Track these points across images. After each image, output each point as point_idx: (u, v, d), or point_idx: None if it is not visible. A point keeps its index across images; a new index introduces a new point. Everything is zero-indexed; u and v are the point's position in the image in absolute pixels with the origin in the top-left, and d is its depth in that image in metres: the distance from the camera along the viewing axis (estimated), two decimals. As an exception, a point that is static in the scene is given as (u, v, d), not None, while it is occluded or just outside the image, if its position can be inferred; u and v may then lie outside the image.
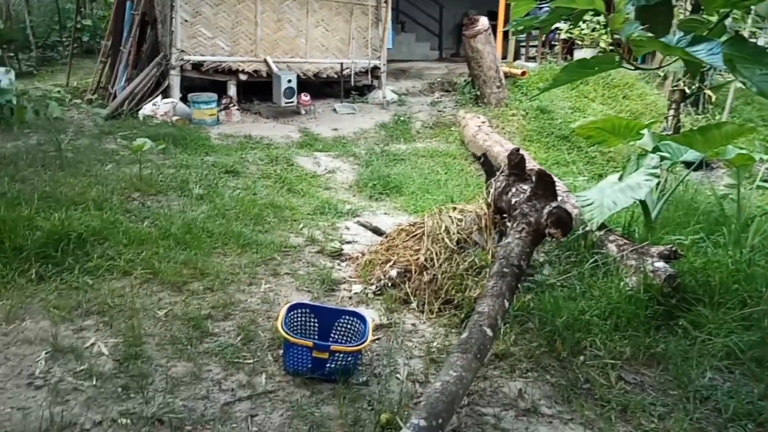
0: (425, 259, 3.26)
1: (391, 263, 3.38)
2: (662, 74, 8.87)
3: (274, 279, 3.31)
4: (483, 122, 6.75)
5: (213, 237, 3.61)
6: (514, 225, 2.69)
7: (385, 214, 4.78)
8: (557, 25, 9.96)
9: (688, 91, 5.31)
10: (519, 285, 2.76)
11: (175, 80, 6.93)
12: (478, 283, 3.03)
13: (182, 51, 6.89)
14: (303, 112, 7.63)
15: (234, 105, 7.25)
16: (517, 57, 9.92)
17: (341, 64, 8.00)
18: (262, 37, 7.41)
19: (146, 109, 6.60)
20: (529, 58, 10.12)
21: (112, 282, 2.97)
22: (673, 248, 3.33)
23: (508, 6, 8.89)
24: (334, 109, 7.96)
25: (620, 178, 4.09)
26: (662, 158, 4.42)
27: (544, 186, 2.61)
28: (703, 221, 4.13)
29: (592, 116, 7.59)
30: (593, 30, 8.71)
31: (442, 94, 9.04)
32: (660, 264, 3.26)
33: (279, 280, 3.30)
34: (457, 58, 12.47)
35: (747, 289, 3.16)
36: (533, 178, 2.69)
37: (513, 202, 2.84)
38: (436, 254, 3.23)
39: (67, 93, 8.26)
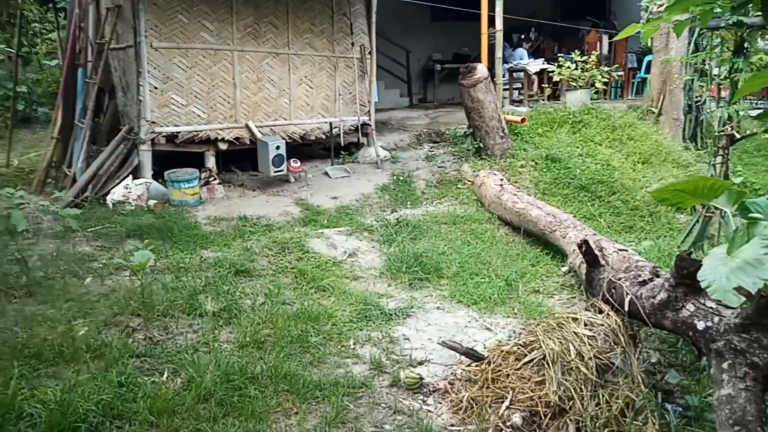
0: (559, 398, 2.47)
1: (506, 403, 2.58)
2: (656, 111, 8.63)
3: (363, 447, 2.43)
4: (502, 180, 6.12)
5: (260, 386, 2.69)
6: (723, 365, 1.97)
7: (439, 309, 3.98)
8: (545, 66, 9.65)
9: (737, 135, 4.88)
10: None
11: (146, 156, 5.95)
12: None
13: (153, 122, 5.94)
14: (293, 179, 6.78)
15: (215, 179, 6.32)
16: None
17: (330, 123, 7.25)
18: (241, 100, 6.56)
19: (116, 193, 5.58)
20: (513, 102, 9.72)
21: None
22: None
23: (491, 47, 8.49)
24: (326, 173, 7.15)
25: (729, 252, 3.50)
26: (753, 219, 3.88)
27: (775, 314, 1.91)
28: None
29: (604, 161, 7.14)
30: (584, 71, 8.39)
31: (433, 146, 8.40)
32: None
33: (369, 448, 2.43)
34: (427, 104, 12.05)
35: None
36: (759, 304, 1.98)
37: (702, 328, 2.12)
38: (576, 390, 2.46)
39: (12, 176, 7.12)
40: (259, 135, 6.57)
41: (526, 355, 2.68)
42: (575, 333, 2.62)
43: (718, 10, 2.88)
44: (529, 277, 4.39)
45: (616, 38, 7.72)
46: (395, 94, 12.19)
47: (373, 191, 6.72)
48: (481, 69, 7.14)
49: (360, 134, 7.70)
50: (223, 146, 6.49)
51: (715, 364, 1.99)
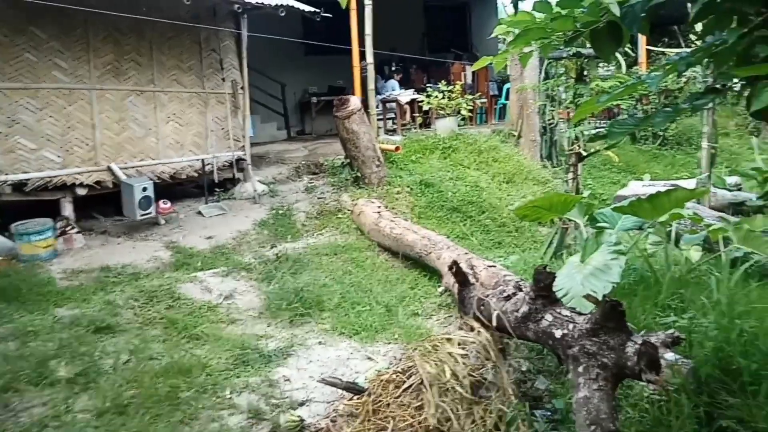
0: (438, 421, 2.49)
1: (388, 433, 2.55)
2: (516, 134, 9.30)
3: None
4: (380, 207, 6.22)
5: (122, 456, 2.43)
6: (578, 369, 2.09)
7: (321, 344, 3.89)
8: (416, 96, 10.05)
9: (584, 153, 5.37)
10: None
11: (-14, 208, 5.32)
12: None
13: (-5, 170, 5.34)
14: (163, 222, 6.39)
15: (72, 228, 5.78)
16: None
17: (202, 160, 6.96)
18: (102, 142, 6.10)
19: (-51, 253, 4.89)
20: (388, 131, 10.00)
21: None
22: (676, 334, 2.97)
23: (363, 79, 8.71)
24: (200, 212, 6.83)
25: (582, 260, 3.79)
26: (600, 228, 4.24)
27: (617, 317, 2.06)
28: (638, 285, 3.94)
29: (473, 183, 7.53)
30: (450, 99, 8.86)
31: (312, 177, 8.38)
32: (670, 355, 2.88)
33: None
34: (306, 136, 12.05)
35: (758, 362, 2.92)
36: (604, 309, 2.12)
37: (560, 336, 2.24)
38: (453, 411, 2.48)
39: None
40: (123, 177, 6.14)
41: (404, 381, 2.67)
42: (450, 353, 2.67)
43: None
44: (408, 300, 4.46)
45: (472, 69, 8.28)
46: (272, 127, 12.09)
47: (252, 227, 6.52)
48: (354, 101, 7.28)
49: (236, 170, 7.49)
50: (81, 192, 5.98)
51: (572, 368, 2.11)
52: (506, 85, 10.70)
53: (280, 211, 6.94)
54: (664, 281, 3.74)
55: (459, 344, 2.71)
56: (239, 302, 4.61)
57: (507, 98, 10.50)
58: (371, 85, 8.54)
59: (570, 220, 4.65)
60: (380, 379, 2.77)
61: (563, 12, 2.25)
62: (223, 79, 7.23)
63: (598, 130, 5.91)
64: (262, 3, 6.71)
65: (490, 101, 11.38)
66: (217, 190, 7.31)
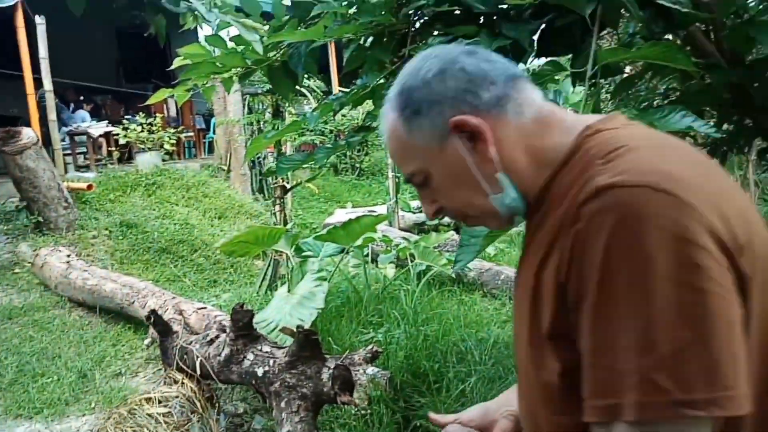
0: (139, 496, 2.19)
1: None
2: (226, 168, 9.23)
3: None
4: (70, 256, 5.37)
5: None
6: (281, 404, 2.08)
7: (-13, 434, 3.12)
8: (111, 129, 9.08)
9: (288, 186, 5.58)
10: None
11: None
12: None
13: None
14: None
15: None
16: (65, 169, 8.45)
17: None
18: None
19: None
20: (79, 167, 8.81)
21: None
22: (375, 348, 3.29)
23: (43, 108, 7.53)
24: None
25: (290, 290, 3.89)
26: (305, 257, 4.45)
27: (311, 345, 2.12)
28: (344, 306, 4.30)
29: (182, 220, 7.14)
30: (151, 132, 8.28)
31: (-24, 226, 6.84)
32: (371, 370, 3.17)
33: None
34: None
35: (439, 361, 3.42)
36: (299, 339, 2.14)
37: (262, 374, 2.20)
38: (156, 480, 2.22)
39: None
40: None
41: (95, 460, 2.30)
42: (149, 415, 2.40)
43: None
44: (109, 360, 3.93)
45: (148, 101, 7.94)
46: None
47: None
48: (28, 133, 6.20)
49: None
50: None
51: (275, 405, 2.10)
52: (213, 119, 10.56)
53: (-75, 273, 5.44)
54: (365, 299, 4.11)
55: (160, 402, 2.46)
56: None
57: (215, 132, 10.35)
58: (52, 116, 7.46)
59: (279, 251, 4.76)
60: (64, 464, 2.33)
61: (239, 48, 2.28)
62: None
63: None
64: None
65: (198, 135, 11.07)
66: None
